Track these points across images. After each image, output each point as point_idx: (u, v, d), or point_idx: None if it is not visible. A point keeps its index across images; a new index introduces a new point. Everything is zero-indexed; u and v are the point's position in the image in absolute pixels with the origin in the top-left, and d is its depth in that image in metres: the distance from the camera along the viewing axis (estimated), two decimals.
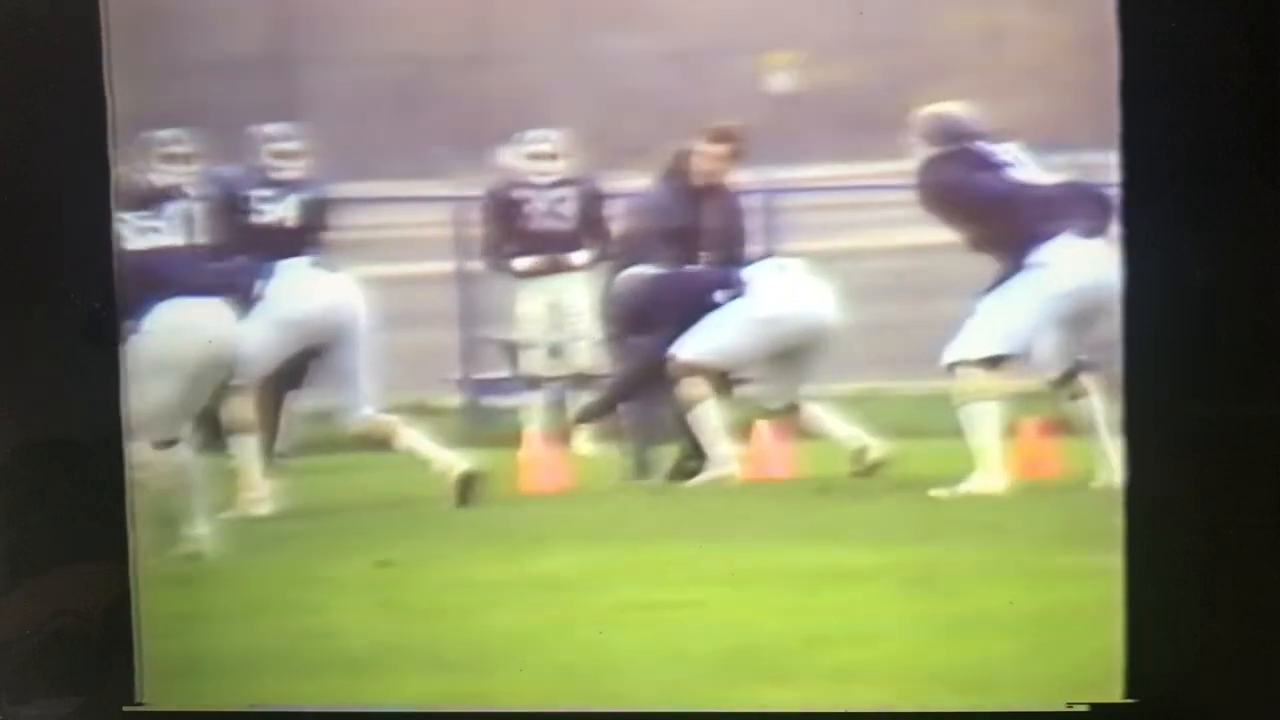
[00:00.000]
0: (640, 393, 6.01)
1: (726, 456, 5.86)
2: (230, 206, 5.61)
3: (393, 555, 4.92)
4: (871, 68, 5.34)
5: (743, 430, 5.89)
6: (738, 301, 5.90)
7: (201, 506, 5.13)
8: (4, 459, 4.31)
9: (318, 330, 5.76)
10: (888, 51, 5.17)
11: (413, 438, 5.74)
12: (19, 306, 4.27)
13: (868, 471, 5.72)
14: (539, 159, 6.06)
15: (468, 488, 5.66)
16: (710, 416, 5.88)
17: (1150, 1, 3.95)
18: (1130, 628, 4.02)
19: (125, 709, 4.35)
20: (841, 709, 4.21)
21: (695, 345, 5.90)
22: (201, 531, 5.09)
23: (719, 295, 5.90)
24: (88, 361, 4.29)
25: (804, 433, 5.87)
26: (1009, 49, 5.09)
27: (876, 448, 5.72)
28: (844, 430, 5.79)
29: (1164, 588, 4.01)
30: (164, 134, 5.09)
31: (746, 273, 5.91)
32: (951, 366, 5.48)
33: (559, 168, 6.09)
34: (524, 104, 5.68)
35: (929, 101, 5.43)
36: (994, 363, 5.48)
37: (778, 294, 5.86)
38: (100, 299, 4.28)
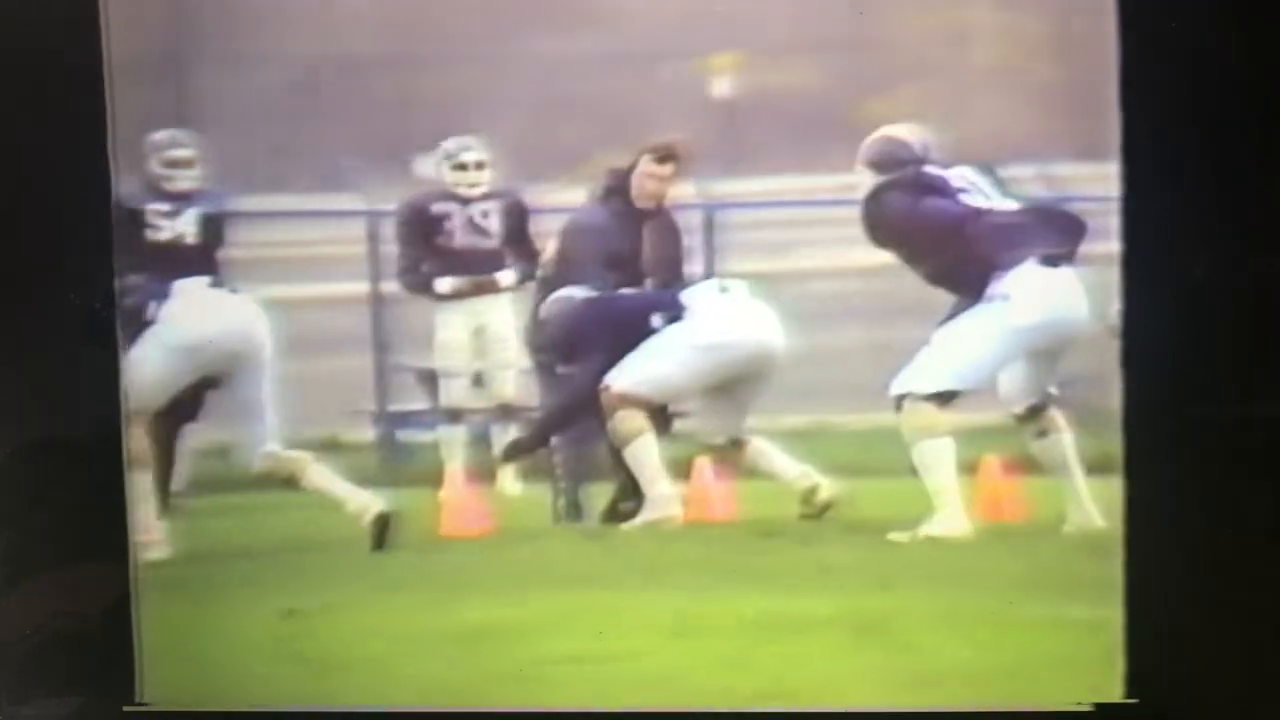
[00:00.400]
0: (572, 427, 5.84)
1: (666, 497, 5.67)
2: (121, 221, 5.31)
3: (301, 604, 4.82)
4: (823, 71, 5.24)
5: (682, 468, 5.72)
6: (676, 327, 5.72)
7: None
8: (4, 459, 4.44)
9: (217, 357, 5.52)
10: (841, 53, 5.08)
11: (323, 476, 5.53)
12: (19, 306, 4.39)
13: (818, 513, 5.57)
14: (461, 169, 5.91)
15: (383, 530, 5.45)
16: (648, 452, 5.70)
17: (1145, 1, 4.07)
18: (1130, 629, 4.17)
19: (125, 709, 4.48)
20: None
21: (631, 375, 5.72)
22: None
23: (656, 320, 5.72)
24: (88, 361, 4.44)
25: (749, 470, 5.72)
26: (974, 50, 5.03)
27: (827, 487, 5.58)
28: (792, 468, 5.64)
29: (1164, 589, 4.14)
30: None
31: (686, 295, 5.74)
32: (899, 400, 5.33)
33: (484, 179, 5.93)
34: (444, 109, 5.54)
35: (887, 109, 5.31)
36: (945, 398, 5.32)
37: (720, 319, 5.69)
38: (100, 299, 4.44)
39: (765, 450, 5.67)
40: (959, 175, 5.39)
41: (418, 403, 6.02)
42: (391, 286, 5.90)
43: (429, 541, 5.45)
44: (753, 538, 5.37)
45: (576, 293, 5.74)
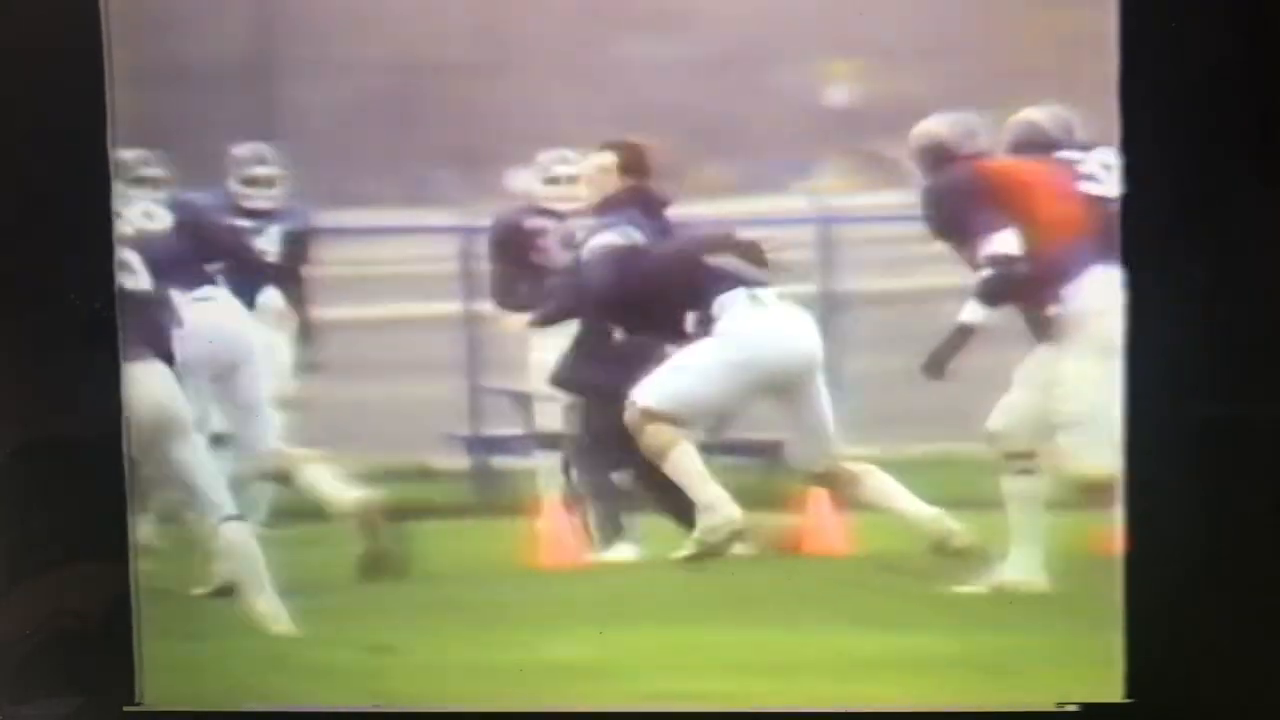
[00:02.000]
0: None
1: (719, 498, 5.35)
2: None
3: (384, 639, 4.90)
4: (938, 78, 5.07)
5: (794, 499, 5.48)
6: (707, 340, 5.53)
7: None
8: (4, 459, 4.56)
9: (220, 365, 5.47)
10: (954, 60, 4.97)
11: (314, 474, 5.41)
12: (19, 306, 4.53)
13: (956, 558, 5.25)
14: (554, 183, 5.76)
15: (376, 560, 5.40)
16: (689, 460, 5.40)
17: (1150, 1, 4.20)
18: (1130, 629, 4.33)
19: (125, 709, 4.60)
20: None
21: (658, 390, 5.48)
22: None
23: (689, 322, 5.55)
24: (88, 361, 4.56)
25: (866, 507, 5.41)
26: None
27: (963, 534, 5.23)
28: (924, 510, 5.29)
29: (1164, 588, 4.30)
30: (128, 155, 4.77)
31: (717, 305, 5.53)
32: None
33: (580, 193, 5.75)
34: (537, 119, 5.35)
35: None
36: None
37: (751, 330, 5.49)
38: (100, 299, 4.56)
39: (888, 488, 5.36)
40: (1092, 159, 5.11)
41: (512, 428, 5.84)
42: (484, 306, 5.70)
43: (523, 572, 5.31)
44: (869, 572, 5.21)
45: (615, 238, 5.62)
